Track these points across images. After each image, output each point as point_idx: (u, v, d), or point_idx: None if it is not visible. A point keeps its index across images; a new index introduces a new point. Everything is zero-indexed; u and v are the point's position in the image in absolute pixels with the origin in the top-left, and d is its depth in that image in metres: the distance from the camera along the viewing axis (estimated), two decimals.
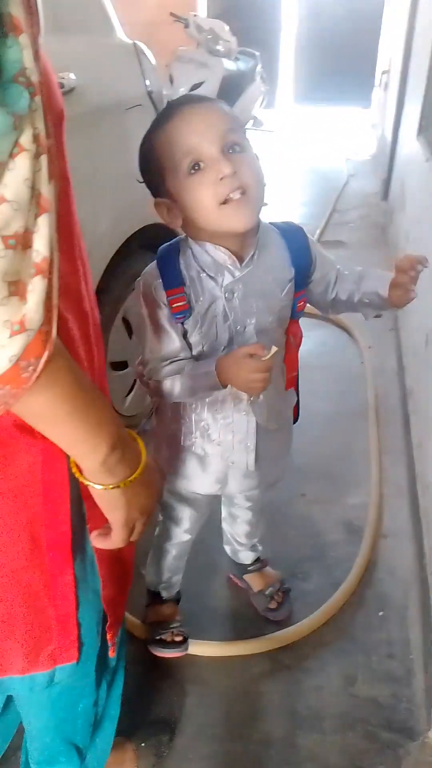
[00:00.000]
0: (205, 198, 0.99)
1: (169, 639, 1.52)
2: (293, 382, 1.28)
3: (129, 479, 0.67)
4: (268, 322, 1.12)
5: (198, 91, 5.48)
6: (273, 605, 1.64)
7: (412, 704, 1.45)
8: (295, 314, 1.18)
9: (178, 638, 1.52)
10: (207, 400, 1.17)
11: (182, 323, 1.10)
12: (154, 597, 1.59)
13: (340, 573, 1.76)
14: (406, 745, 1.38)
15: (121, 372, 2.09)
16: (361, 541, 1.86)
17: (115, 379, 2.06)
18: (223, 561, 1.75)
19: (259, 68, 6.58)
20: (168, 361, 1.12)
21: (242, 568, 1.68)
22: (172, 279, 1.07)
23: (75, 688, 0.92)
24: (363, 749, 1.37)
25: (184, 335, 1.12)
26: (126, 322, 2.06)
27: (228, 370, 1.05)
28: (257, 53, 6.55)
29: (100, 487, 0.67)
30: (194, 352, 1.13)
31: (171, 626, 1.53)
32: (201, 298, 1.08)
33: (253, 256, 1.08)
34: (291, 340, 1.20)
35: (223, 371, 1.05)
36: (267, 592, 1.64)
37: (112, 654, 0.98)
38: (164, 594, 1.58)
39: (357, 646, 1.59)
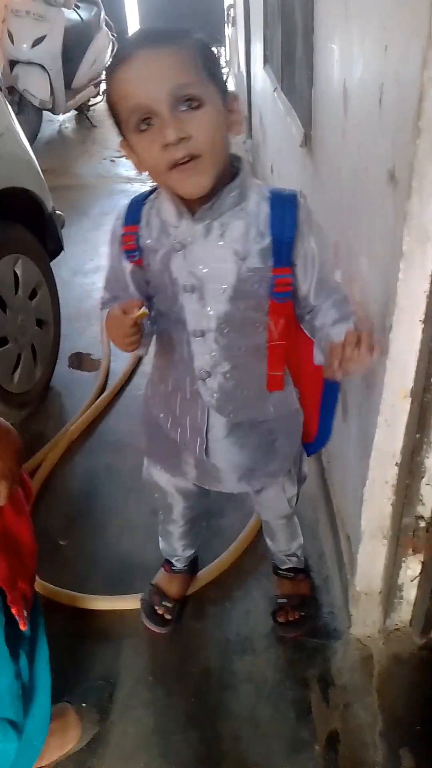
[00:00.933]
0: (152, 160, 0.90)
1: (160, 612, 1.52)
2: (276, 384, 1.14)
3: None
4: (220, 289, 1.01)
5: (41, 45, 5.19)
6: (281, 618, 1.50)
7: (333, 608, 1.55)
8: (275, 295, 1.03)
9: (168, 617, 1.51)
10: (173, 376, 1.13)
11: (141, 267, 1.07)
12: (167, 562, 1.58)
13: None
14: (332, 645, 1.47)
15: (1, 348, 2.02)
16: None
17: None
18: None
19: (103, 15, 6.31)
20: (109, 296, 1.13)
21: (274, 566, 1.59)
22: (131, 216, 1.06)
23: None
24: (294, 659, 1.45)
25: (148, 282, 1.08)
26: None
27: (106, 320, 1.04)
28: (99, 0, 6.27)
29: None
30: (156, 308, 1.09)
31: (167, 603, 1.52)
32: (151, 239, 1.04)
33: (211, 206, 0.96)
34: (271, 326, 1.07)
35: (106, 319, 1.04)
36: (280, 601, 1.53)
37: (23, 627, 0.98)
38: (176, 564, 1.56)
39: None
